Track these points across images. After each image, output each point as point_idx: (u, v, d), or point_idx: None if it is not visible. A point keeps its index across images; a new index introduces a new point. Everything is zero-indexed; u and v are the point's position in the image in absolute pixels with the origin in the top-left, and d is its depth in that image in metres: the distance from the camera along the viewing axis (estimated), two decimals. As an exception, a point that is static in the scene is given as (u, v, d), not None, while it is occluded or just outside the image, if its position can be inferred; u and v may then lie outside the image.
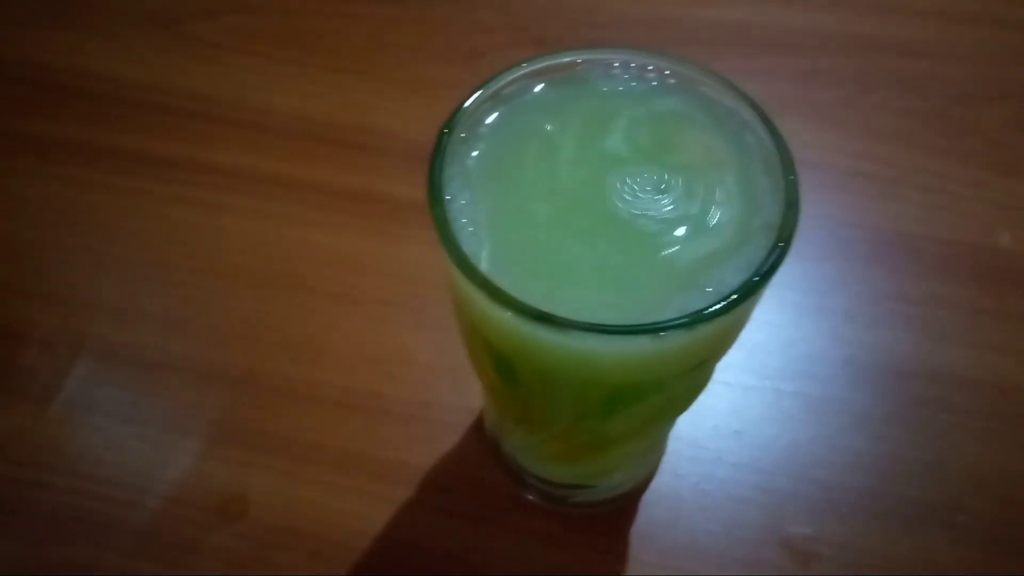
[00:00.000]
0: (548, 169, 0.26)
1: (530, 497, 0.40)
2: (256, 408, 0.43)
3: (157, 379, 0.44)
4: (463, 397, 0.43)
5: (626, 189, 0.26)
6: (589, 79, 0.28)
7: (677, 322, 0.22)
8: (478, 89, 0.27)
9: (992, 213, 0.50)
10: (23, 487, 0.41)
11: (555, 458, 0.36)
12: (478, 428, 0.42)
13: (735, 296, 0.23)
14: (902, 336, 0.46)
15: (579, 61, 0.28)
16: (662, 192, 0.26)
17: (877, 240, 0.50)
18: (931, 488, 0.41)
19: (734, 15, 0.60)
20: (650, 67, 0.29)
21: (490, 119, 0.27)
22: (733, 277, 0.24)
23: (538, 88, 0.28)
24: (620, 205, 0.25)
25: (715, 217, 0.25)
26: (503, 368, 0.28)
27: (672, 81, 0.29)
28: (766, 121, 0.27)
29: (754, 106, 0.27)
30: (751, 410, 0.43)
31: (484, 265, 0.24)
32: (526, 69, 0.28)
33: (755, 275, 0.23)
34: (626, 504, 0.40)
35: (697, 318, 0.22)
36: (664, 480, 0.41)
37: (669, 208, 0.25)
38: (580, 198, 0.26)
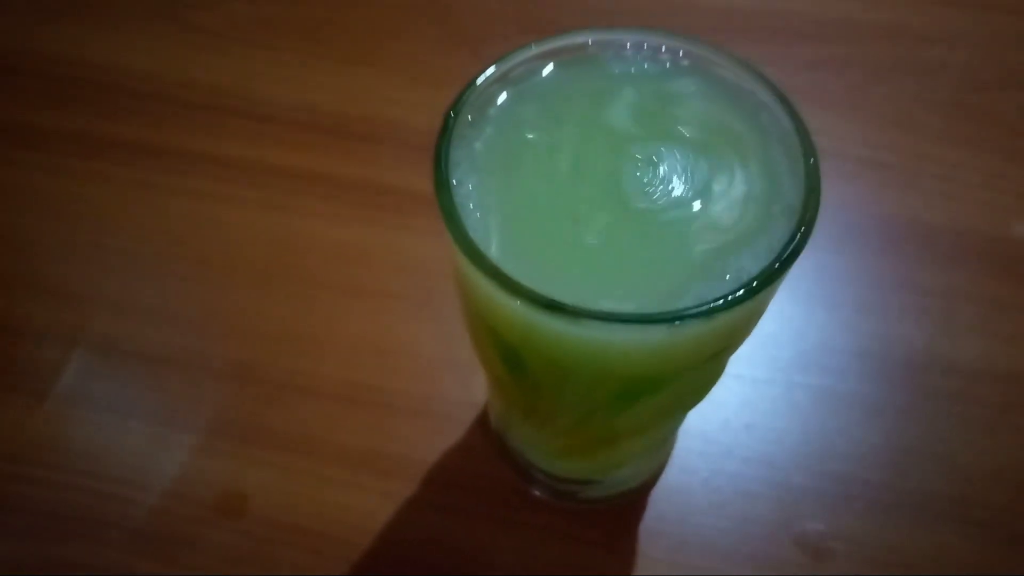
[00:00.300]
0: (559, 153, 0.25)
1: (537, 492, 0.39)
2: (257, 402, 0.42)
3: (156, 373, 0.43)
4: (468, 390, 0.43)
5: (640, 173, 0.25)
6: (600, 60, 0.27)
7: (695, 310, 0.21)
8: (486, 71, 0.26)
9: (1008, 202, 0.49)
10: (18, 483, 0.40)
11: (563, 453, 0.35)
12: (483, 422, 0.41)
13: (755, 283, 0.22)
14: (916, 327, 0.45)
15: (590, 42, 0.27)
16: (678, 176, 0.25)
17: (890, 230, 0.49)
18: (947, 482, 0.40)
19: (744, 2, 0.59)
20: (663, 47, 0.28)
21: (498, 102, 0.26)
22: (752, 264, 0.23)
23: (548, 70, 0.27)
24: (634, 189, 0.24)
25: (733, 201, 0.24)
26: (510, 359, 0.27)
27: (685, 62, 0.28)
28: (784, 102, 0.26)
29: (771, 87, 0.26)
30: (762, 403, 0.43)
31: (492, 252, 0.23)
32: (535, 51, 0.27)
33: (776, 261, 0.22)
34: (635, 499, 0.40)
35: (717, 306, 0.21)
36: (673, 475, 0.40)
37: (685, 192, 0.24)
38: (592, 182, 0.25)
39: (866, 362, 0.44)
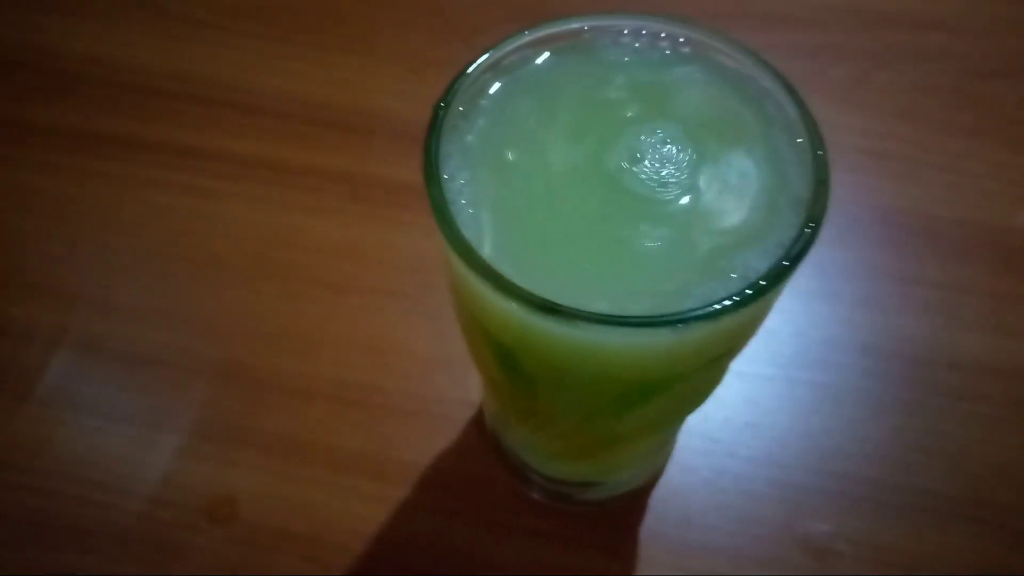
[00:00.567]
0: (555, 145, 0.24)
1: (534, 495, 0.38)
2: (246, 403, 0.41)
3: (141, 373, 0.42)
4: (463, 389, 0.41)
5: (640, 166, 0.23)
6: (596, 48, 0.26)
7: (701, 312, 0.20)
8: (477, 60, 0.24)
9: (1012, 193, 0.48)
10: None
11: (561, 456, 0.34)
12: (479, 422, 0.40)
13: (764, 282, 0.21)
14: (920, 322, 0.44)
15: (585, 28, 0.26)
16: (679, 169, 0.23)
17: (892, 222, 0.48)
18: (953, 480, 0.39)
19: (742, -12, 0.58)
20: (662, 34, 0.26)
21: (491, 92, 0.25)
22: (759, 261, 0.22)
23: (542, 58, 0.26)
24: (634, 183, 0.23)
25: (739, 195, 0.23)
26: (506, 362, 0.26)
27: (685, 49, 0.26)
28: (790, 91, 0.25)
29: (776, 75, 0.25)
30: (765, 401, 0.42)
31: (486, 250, 0.22)
32: (528, 38, 0.25)
33: (784, 259, 0.21)
34: (635, 501, 0.39)
35: (724, 308, 0.20)
36: (675, 475, 0.39)
37: (688, 186, 0.23)
38: (590, 176, 0.23)
39: (869, 358, 0.43)
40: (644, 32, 0.26)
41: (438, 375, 0.42)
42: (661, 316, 0.20)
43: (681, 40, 0.26)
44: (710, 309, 0.20)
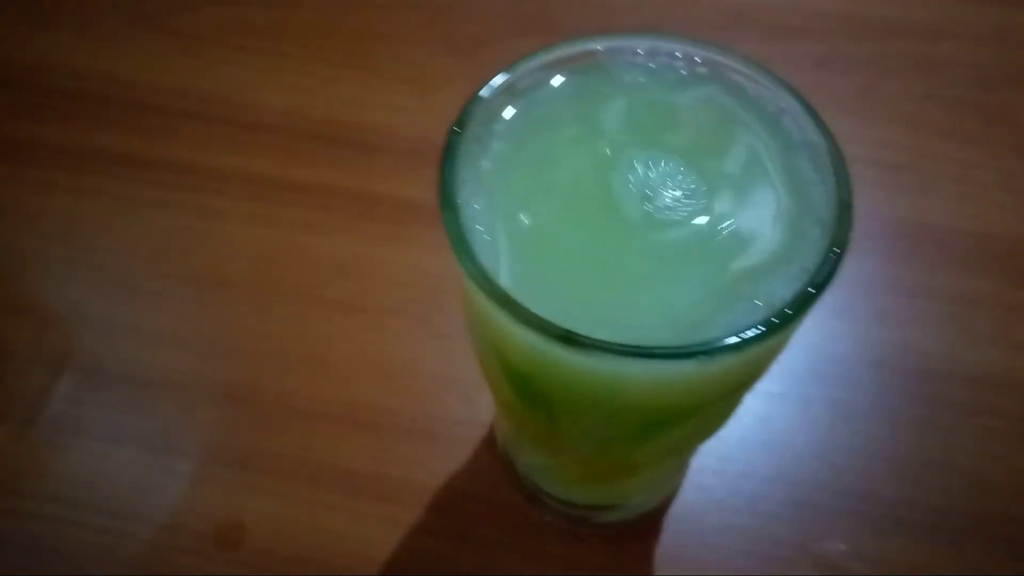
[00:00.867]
0: (572, 170, 0.24)
1: (548, 518, 0.37)
2: (253, 427, 0.41)
3: (147, 397, 0.42)
4: (472, 409, 0.41)
5: (659, 190, 0.23)
6: (612, 69, 0.26)
7: (727, 343, 0.20)
8: (491, 82, 0.24)
9: (1022, 203, 0.48)
10: (3, 516, 0.38)
11: (576, 480, 0.33)
12: (489, 443, 0.40)
13: (790, 311, 0.20)
14: (933, 336, 0.43)
15: (600, 49, 0.26)
16: (701, 193, 0.23)
17: (902, 233, 0.47)
18: (971, 498, 0.39)
19: (747, -2, 0.58)
20: (676, 53, 0.26)
21: (505, 115, 0.25)
22: (784, 288, 0.21)
23: (557, 80, 0.25)
24: (653, 208, 0.23)
25: (762, 219, 0.23)
26: (523, 389, 0.26)
27: (701, 68, 0.26)
28: (809, 110, 0.24)
29: (794, 94, 0.25)
30: (778, 419, 0.41)
31: (502, 277, 0.22)
32: (542, 59, 0.25)
33: (811, 285, 0.21)
34: (650, 523, 0.38)
35: (750, 338, 0.20)
36: (689, 496, 0.39)
37: (709, 211, 0.23)
38: (608, 202, 0.23)
39: (883, 373, 0.42)
40: (659, 52, 0.26)
41: (447, 395, 0.41)
42: (686, 347, 0.20)
43: (697, 60, 0.26)
44: (736, 339, 0.20)
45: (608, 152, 0.24)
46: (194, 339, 0.44)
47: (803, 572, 0.37)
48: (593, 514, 0.37)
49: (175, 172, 0.49)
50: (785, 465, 0.40)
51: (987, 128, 0.51)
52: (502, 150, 0.24)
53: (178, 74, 0.54)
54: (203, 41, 0.56)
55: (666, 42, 0.26)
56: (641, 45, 0.26)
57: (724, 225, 0.23)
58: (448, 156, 0.23)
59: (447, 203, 0.22)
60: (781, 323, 0.20)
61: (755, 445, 0.40)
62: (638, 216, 0.23)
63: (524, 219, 0.23)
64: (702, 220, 0.23)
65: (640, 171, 0.23)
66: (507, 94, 0.25)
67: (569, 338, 0.20)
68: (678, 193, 0.23)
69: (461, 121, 0.23)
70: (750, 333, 0.20)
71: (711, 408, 0.25)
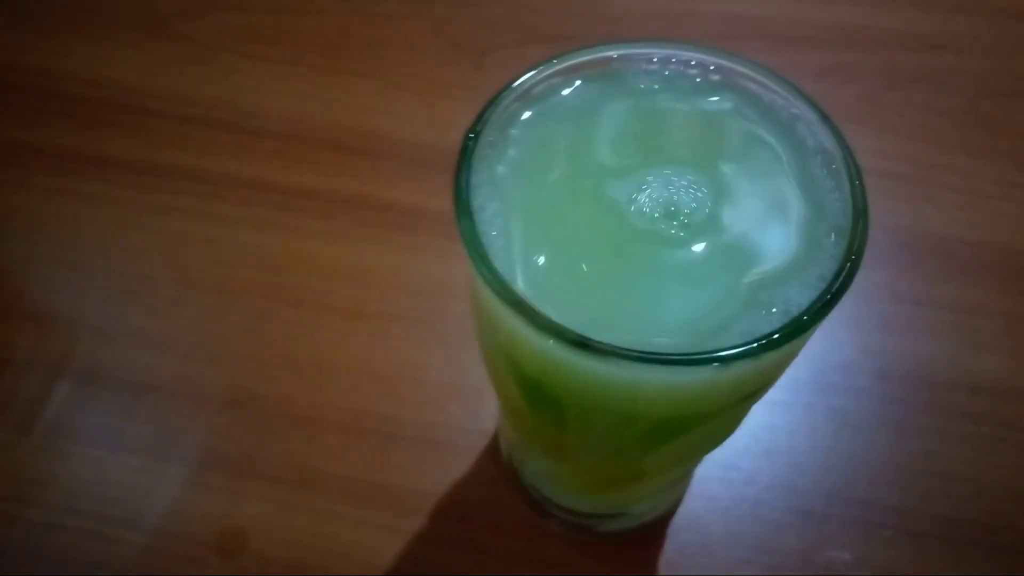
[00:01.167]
0: (587, 175, 0.24)
1: (552, 526, 0.37)
2: (255, 433, 0.40)
3: (146, 403, 0.41)
4: (476, 417, 0.41)
5: (675, 197, 0.23)
6: (626, 76, 0.26)
7: (743, 349, 0.19)
8: (507, 87, 0.24)
9: (1025, 213, 0.48)
10: (1, 522, 0.38)
11: (582, 488, 0.33)
12: (493, 451, 0.40)
13: (806, 317, 0.20)
14: (937, 345, 0.43)
15: (615, 56, 0.26)
16: (716, 199, 0.23)
17: (906, 243, 0.47)
18: (976, 507, 0.39)
19: (750, 9, 0.58)
20: (691, 61, 0.26)
21: (520, 121, 0.24)
22: (800, 295, 0.21)
23: (571, 87, 0.25)
24: (668, 215, 0.23)
25: (777, 226, 0.23)
26: (533, 395, 0.25)
27: (716, 76, 0.26)
28: (824, 118, 0.24)
29: (808, 101, 0.25)
30: (782, 427, 0.41)
31: (517, 283, 0.22)
32: (557, 66, 0.25)
33: (827, 292, 0.21)
34: (654, 531, 0.38)
35: (767, 344, 0.19)
36: (694, 504, 0.39)
37: (725, 217, 0.23)
38: (623, 207, 0.23)
39: (886, 382, 0.42)
40: (673, 60, 0.26)
41: (451, 402, 0.41)
42: (702, 353, 0.20)
43: (711, 68, 0.26)
44: (753, 346, 0.20)
45: (623, 159, 0.24)
46: (194, 345, 0.43)
47: (808, 582, 0.37)
48: (597, 522, 0.37)
49: (180, 178, 0.49)
50: (789, 473, 0.40)
51: (988, 138, 0.51)
52: (517, 155, 0.24)
53: (184, 80, 0.54)
54: (210, 48, 0.56)
55: (680, 50, 0.26)
56: (655, 53, 0.26)
57: (739, 232, 0.23)
58: (463, 161, 0.23)
59: (463, 208, 0.22)
60: (798, 330, 0.20)
61: (759, 453, 0.40)
62: (653, 222, 0.23)
63: (539, 225, 0.23)
64: (717, 227, 0.23)
65: (655, 178, 0.23)
66: (522, 100, 0.25)
67: (585, 344, 0.20)
68: (693, 200, 0.23)
69: (477, 126, 0.23)
70: (766, 340, 0.20)
71: (721, 416, 0.25)
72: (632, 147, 0.24)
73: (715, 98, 0.25)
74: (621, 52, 0.25)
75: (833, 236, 0.22)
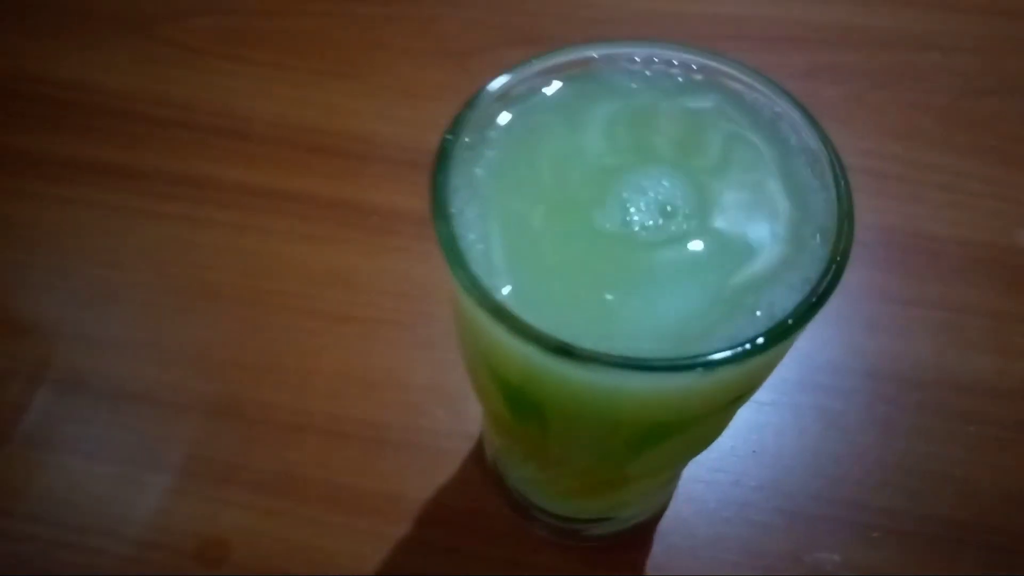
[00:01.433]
0: (567, 178, 0.23)
1: (538, 531, 0.37)
2: (236, 440, 0.40)
3: (127, 410, 0.41)
4: (461, 421, 0.40)
5: (656, 198, 0.23)
6: (607, 76, 0.25)
7: (729, 354, 0.19)
8: (485, 88, 0.23)
9: (1013, 211, 0.48)
10: (-22, 534, 0.37)
11: (568, 493, 0.33)
12: (478, 455, 0.39)
13: (791, 321, 0.20)
14: (924, 344, 0.43)
15: (595, 56, 0.25)
16: (698, 200, 0.22)
17: (892, 242, 0.47)
18: (964, 506, 0.39)
19: (734, 8, 0.57)
20: (673, 61, 0.26)
21: (499, 122, 0.24)
22: (785, 298, 0.21)
23: (552, 87, 0.25)
24: (650, 217, 0.22)
25: (761, 228, 0.22)
26: (515, 402, 0.25)
27: (698, 76, 0.26)
28: (808, 117, 0.24)
29: (792, 100, 0.24)
30: (769, 428, 0.41)
31: (496, 289, 0.21)
32: (537, 66, 0.24)
33: (812, 295, 0.20)
34: (641, 535, 0.37)
35: (752, 348, 0.19)
36: (680, 506, 0.38)
37: (708, 219, 0.22)
38: (604, 210, 0.22)
39: (875, 382, 0.42)
40: (655, 59, 0.25)
41: (435, 407, 0.41)
42: (686, 358, 0.19)
43: (693, 67, 0.25)
44: (738, 350, 0.19)
45: (604, 160, 0.24)
46: (175, 351, 0.43)
47: (796, 583, 0.37)
48: (584, 527, 0.37)
49: (161, 182, 0.49)
50: (776, 475, 0.39)
51: (975, 137, 0.51)
52: (496, 157, 0.23)
53: (169, 83, 0.53)
54: (194, 51, 0.55)
55: (662, 49, 0.26)
56: (637, 52, 0.26)
57: (723, 235, 0.22)
58: (440, 163, 0.22)
59: (439, 211, 0.22)
60: (783, 334, 0.20)
61: (746, 455, 0.40)
62: (634, 225, 0.22)
63: (518, 228, 0.22)
64: (700, 230, 0.22)
65: (637, 179, 0.23)
66: (501, 101, 0.24)
67: (566, 350, 0.19)
68: (675, 201, 0.23)
69: (454, 128, 0.23)
70: (751, 344, 0.19)
71: (707, 421, 0.24)
72: (614, 148, 0.24)
73: (698, 97, 0.25)
74: (602, 52, 0.25)
75: (818, 237, 0.22)
